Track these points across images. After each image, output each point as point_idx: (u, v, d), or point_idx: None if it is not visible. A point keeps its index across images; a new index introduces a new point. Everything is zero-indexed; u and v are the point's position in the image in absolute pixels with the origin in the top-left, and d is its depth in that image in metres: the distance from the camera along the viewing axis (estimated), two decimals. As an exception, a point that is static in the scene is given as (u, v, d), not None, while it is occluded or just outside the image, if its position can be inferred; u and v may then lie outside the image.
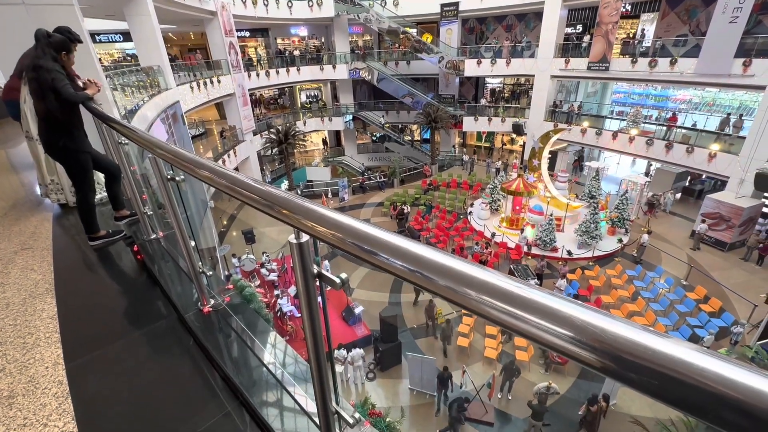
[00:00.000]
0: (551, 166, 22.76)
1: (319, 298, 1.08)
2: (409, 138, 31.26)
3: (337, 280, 0.97)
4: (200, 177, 1.30)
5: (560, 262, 15.18)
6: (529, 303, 0.46)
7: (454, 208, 21.48)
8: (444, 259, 0.56)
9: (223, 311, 2.29)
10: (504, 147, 31.27)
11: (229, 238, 18.76)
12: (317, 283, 1.01)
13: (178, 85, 16.55)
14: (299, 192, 24.62)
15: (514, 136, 31.42)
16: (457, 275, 0.53)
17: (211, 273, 2.28)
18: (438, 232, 18.27)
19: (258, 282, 13.65)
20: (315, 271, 1.00)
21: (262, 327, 2.34)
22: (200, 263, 2.24)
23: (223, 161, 19.58)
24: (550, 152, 20.09)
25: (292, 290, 12.92)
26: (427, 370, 9.32)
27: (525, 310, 0.45)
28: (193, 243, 2.22)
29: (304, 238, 0.95)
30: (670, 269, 14.32)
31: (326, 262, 13.95)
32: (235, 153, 21.31)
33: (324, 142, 35.49)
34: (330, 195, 23.83)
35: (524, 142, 27.78)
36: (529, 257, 15.91)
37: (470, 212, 19.96)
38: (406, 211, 20.46)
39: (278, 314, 11.32)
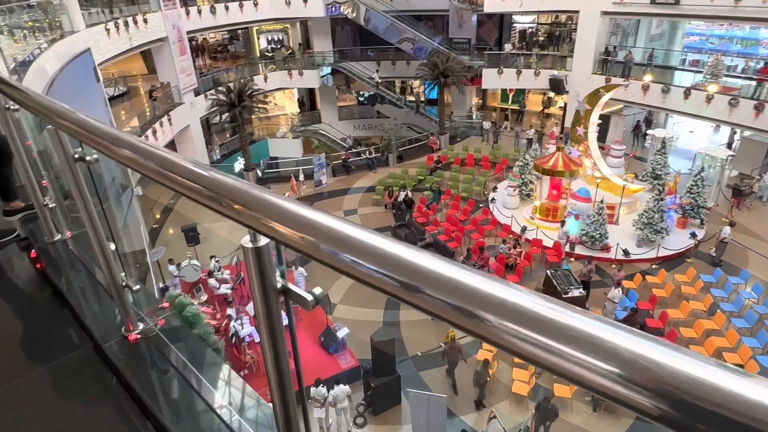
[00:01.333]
0: (602, 136, 22.91)
1: (286, 320, 1.07)
2: (413, 99, 31.09)
3: (309, 298, 0.96)
4: (118, 158, 1.28)
5: (614, 266, 15.44)
6: (558, 329, 0.46)
7: (470, 193, 21.48)
8: (449, 271, 0.57)
9: (157, 339, 2.29)
10: (544, 111, 31.35)
11: (165, 237, 18.71)
12: (282, 301, 1.01)
13: (88, 27, 16.13)
14: (260, 174, 24.62)
15: (551, 95, 31.51)
16: (468, 293, 0.53)
17: (138, 287, 2.28)
18: (449, 227, 18.35)
19: (205, 297, 13.68)
20: (279, 286, 0.99)
21: (210, 359, 2.34)
22: (123, 274, 2.23)
23: (154, 133, 19.41)
24: (601, 117, 20.21)
25: (251, 308, 12.91)
26: (435, 413, 9.36)
27: (554, 339, 0.46)
28: (113, 246, 2.21)
29: (263, 241, 0.95)
30: (758, 273, 14.41)
31: (300, 269, 13.95)
32: (169, 121, 21.16)
33: (301, 103, 35.35)
34: (302, 178, 23.66)
35: (565, 104, 27.85)
36: (572, 259, 16.09)
37: (493, 199, 20.08)
38: (405, 197, 20.54)
39: (233, 341, 11.37)
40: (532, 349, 0.47)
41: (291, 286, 1.00)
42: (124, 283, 2.19)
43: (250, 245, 0.95)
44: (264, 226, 0.84)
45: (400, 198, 20.18)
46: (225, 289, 14.08)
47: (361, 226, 0.73)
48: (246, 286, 14.65)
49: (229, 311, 12.41)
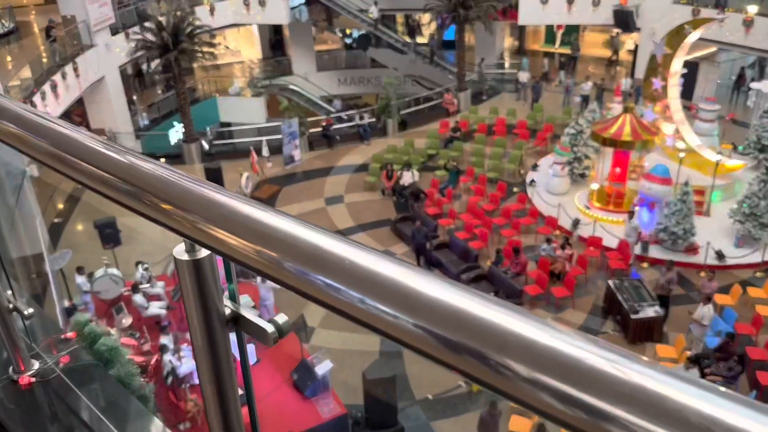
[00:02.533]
0: (687, 92, 22.96)
1: (237, 354, 1.09)
2: (425, 42, 30.90)
3: (270, 329, 0.98)
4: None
5: (703, 273, 15.54)
6: (607, 385, 0.47)
7: (500, 173, 21.50)
8: (457, 299, 0.57)
9: (58, 383, 2.30)
10: (612, 59, 31.16)
11: (71, 236, 18.72)
12: (231, 334, 1.02)
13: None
14: (206, 146, 24.71)
15: (616, 32, 31.32)
16: (478, 327, 0.55)
17: (31, 311, 2.29)
18: (471, 220, 18.44)
19: (128, 321, 13.76)
20: (228, 312, 1.01)
21: (134, 410, 2.35)
22: (10, 292, 2.24)
23: (53, 88, 19.36)
24: (686, 64, 20.19)
25: None
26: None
27: (602, 399, 0.46)
28: (-6, 252, 2.21)
29: (204, 252, 0.96)
30: None
31: (257, 279, 14.03)
32: (76, 71, 21.25)
33: (271, 46, 35.13)
34: (266, 152, 23.73)
35: (636, 46, 27.94)
36: (645, 265, 16.23)
37: (532, 182, 20.20)
38: (411, 185, 20.49)
39: (168, 382, 11.44)
40: (564, 412, 0.48)
41: (244, 312, 1.01)
42: (10, 306, 2.20)
43: (185, 257, 0.95)
44: (203, 234, 0.84)
45: (404, 181, 20.17)
46: (157, 309, 14.11)
47: (342, 237, 0.73)
48: None
49: (164, 340, 12.46)
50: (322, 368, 12.02)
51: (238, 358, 1.10)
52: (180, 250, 0.96)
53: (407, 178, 20.61)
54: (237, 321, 1.01)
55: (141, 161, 0.98)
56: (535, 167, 21.20)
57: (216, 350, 1.02)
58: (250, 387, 1.18)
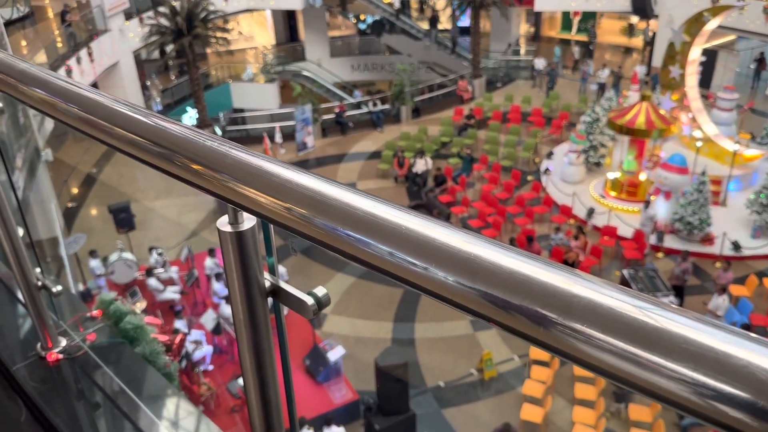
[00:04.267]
0: (705, 80, 22.71)
1: (275, 335, 1.11)
2: (447, 29, 30.53)
3: (309, 301, 0.98)
4: (28, 101, 1.31)
5: (718, 264, 15.41)
6: (665, 338, 0.48)
7: (515, 162, 21.47)
8: (496, 253, 0.59)
9: (85, 360, 2.33)
10: (644, 48, 30.86)
11: (85, 220, 18.88)
12: (270, 307, 1.04)
13: None
14: (219, 132, 24.68)
15: (634, 20, 31.08)
16: (530, 286, 0.56)
17: (59, 289, 2.32)
18: (484, 209, 18.40)
19: (143, 304, 13.85)
20: (268, 285, 1.02)
21: (160, 388, 2.39)
22: (39, 270, 2.27)
23: (68, 72, 19.40)
24: (704, 52, 19.95)
25: (207, 319, 13.19)
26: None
27: (661, 353, 0.48)
28: (21, 231, 2.24)
29: (248, 222, 0.97)
30: None
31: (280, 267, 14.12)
32: (90, 55, 21.31)
33: (280, 32, 35.13)
34: (279, 139, 23.90)
35: (654, 34, 27.70)
36: (660, 254, 16.18)
37: (546, 170, 20.06)
38: (423, 168, 20.60)
39: (182, 365, 11.54)
40: (621, 365, 0.49)
41: (284, 285, 1.02)
42: (39, 283, 2.23)
43: (228, 228, 0.97)
44: (248, 198, 0.86)
45: (417, 169, 20.15)
46: (171, 293, 14.21)
47: (395, 204, 0.74)
48: (201, 290, 14.79)
49: (178, 324, 12.54)
50: (335, 354, 12.09)
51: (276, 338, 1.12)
52: (224, 222, 0.98)
53: (420, 165, 20.46)
54: (276, 293, 1.02)
55: (176, 124, 1.00)
56: (549, 155, 21.04)
57: (256, 321, 1.03)
58: (287, 360, 1.18)
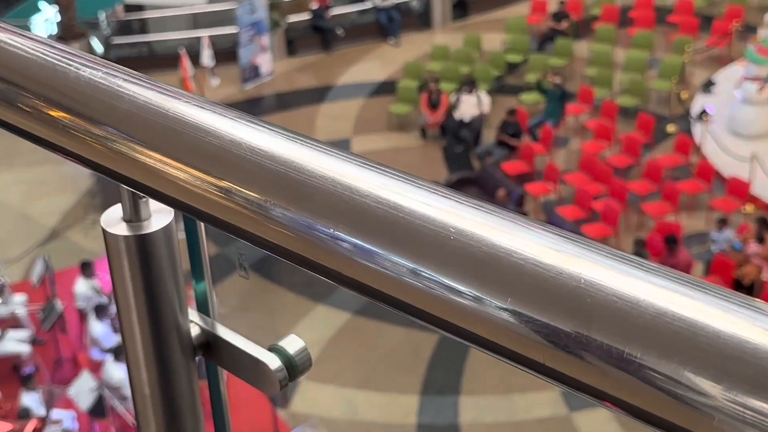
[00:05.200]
0: None
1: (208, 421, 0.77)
2: None
3: (273, 363, 0.68)
4: None
5: None
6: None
7: (642, 99, 13.57)
8: (623, 276, 0.35)
9: None
10: None
11: None
12: (199, 371, 0.73)
13: None
14: (98, 47, 15.05)
15: None
16: (696, 340, 0.32)
17: None
18: (585, 186, 11.72)
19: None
20: (196, 332, 0.72)
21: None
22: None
23: None
24: None
25: (81, 391, 8.63)
26: None
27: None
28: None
29: (157, 218, 0.67)
30: None
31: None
32: None
33: None
34: (208, 60, 14.41)
35: None
36: None
37: (702, 113, 12.47)
38: (474, 111, 12.83)
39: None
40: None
41: (223, 332, 0.72)
42: None
43: (122, 229, 0.67)
44: (160, 176, 0.54)
45: (462, 114, 13.12)
46: (14, 343, 9.61)
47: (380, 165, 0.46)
48: (69, 337, 10.29)
49: (28, 399, 8.39)
50: None
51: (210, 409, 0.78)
52: (113, 218, 0.68)
53: (468, 106, 13.33)
54: (210, 347, 0.73)
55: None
56: (708, 87, 13.53)
57: (173, 396, 0.72)
58: None
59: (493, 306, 0.36)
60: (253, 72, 14.95)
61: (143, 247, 0.68)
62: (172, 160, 0.53)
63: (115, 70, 0.62)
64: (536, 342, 0.35)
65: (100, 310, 9.57)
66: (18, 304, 10.03)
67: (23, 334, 9.76)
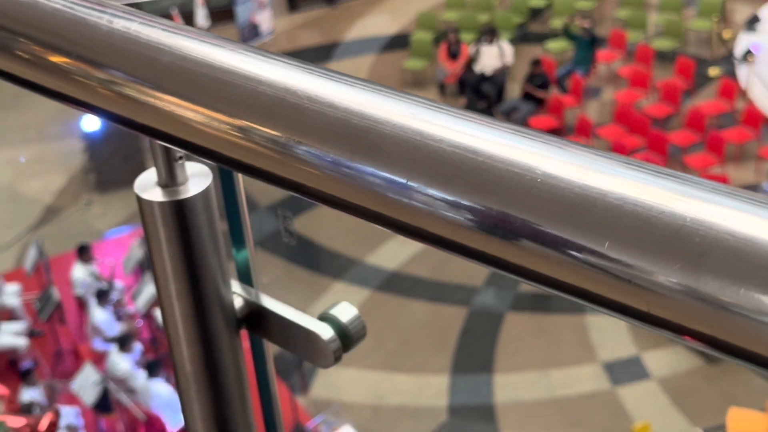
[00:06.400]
0: None
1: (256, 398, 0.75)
2: None
3: (326, 333, 0.65)
4: None
5: None
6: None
7: (679, 41, 12.49)
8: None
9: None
10: None
11: None
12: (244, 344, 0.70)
13: None
14: None
15: None
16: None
17: None
18: (621, 138, 10.90)
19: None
20: (239, 304, 0.68)
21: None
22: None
23: None
24: None
25: (84, 384, 8.08)
26: None
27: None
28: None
29: (195, 181, 0.63)
30: None
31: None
32: None
33: None
34: (203, 19, 13.18)
35: None
36: None
37: (747, 54, 11.31)
38: (495, 63, 11.95)
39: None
40: None
41: (268, 302, 0.68)
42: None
43: (158, 195, 0.63)
44: (199, 129, 0.50)
45: (482, 66, 12.23)
46: (9, 336, 9.10)
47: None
48: (68, 327, 9.63)
49: (28, 394, 7.96)
50: None
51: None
52: (146, 183, 0.64)
53: (490, 57, 12.23)
54: (254, 318, 0.69)
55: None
56: (752, 24, 12.02)
57: (218, 375, 0.68)
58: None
59: (589, 252, 0.34)
60: (252, 31, 13.97)
61: (181, 213, 0.64)
62: (222, 115, 0.50)
63: (149, 19, 0.58)
64: (639, 288, 0.32)
65: (101, 296, 9.03)
66: (11, 294, 9.39)
67: (19, 326, 9.21)
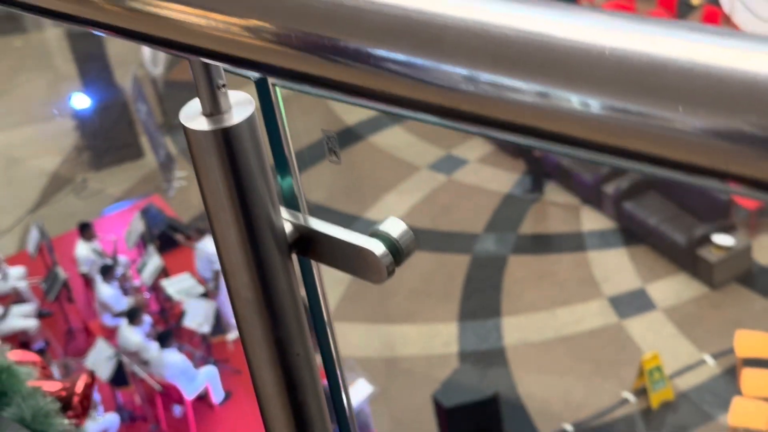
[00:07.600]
0: None
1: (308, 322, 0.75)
2: None
3: (378, 249, 0.64)
4: None
5: None
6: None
7: None
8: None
9: None
10: None
11: None
12: (295, 270, 0.69)
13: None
14: None
15: None
16: None
17: None
18: None
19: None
20: (289, 229, 0.67)
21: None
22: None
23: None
24: None
25: (98, 359, 8.15)
26: None
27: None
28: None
29: (239, 109, 0.62)
30: None
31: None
32: None
33: None
34: None
35: None
36: None
37: None
38: None
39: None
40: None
41: (316, 224, 0.68)
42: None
43: (203, 124, 0.61)
44: (245, 42, 0.48)
45: None
46: (19, 318, 9.04)
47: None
48: (77, 305, 9.62)
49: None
50: (354, 396, 7.55)
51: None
52: (191, 114, 0.62)
53: None
54: (304, 242, 0.69)
55: None
56: None
57: (275, 300, 0.68)
58: (331, 355, 0.82)
59: (664, 118, 0.33)
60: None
61: (228, 141, 0.63)
62: (266, 23, 0.47)
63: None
64: (717, 149, 0.32)
65: (107, 272, 9.00)
66: (17, 277, 9.31)
67: (27, 308, 9.10)
